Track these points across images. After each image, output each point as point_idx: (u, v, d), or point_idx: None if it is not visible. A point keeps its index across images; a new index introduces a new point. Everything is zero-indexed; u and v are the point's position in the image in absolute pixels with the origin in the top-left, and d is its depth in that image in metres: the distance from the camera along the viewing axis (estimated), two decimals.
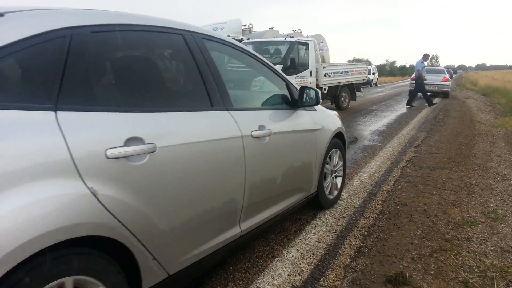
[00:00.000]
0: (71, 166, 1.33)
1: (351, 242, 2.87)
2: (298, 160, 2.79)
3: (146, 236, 1.58)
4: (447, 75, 17.29)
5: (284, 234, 2.99)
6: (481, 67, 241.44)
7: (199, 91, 2.07)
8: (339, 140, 3.54)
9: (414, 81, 13.18)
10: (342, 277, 2.38)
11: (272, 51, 10.13)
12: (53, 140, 1.31)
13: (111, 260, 1.47)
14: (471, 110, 12.31)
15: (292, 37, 10.49)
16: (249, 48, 2.69)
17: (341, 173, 3.66)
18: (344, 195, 3.88)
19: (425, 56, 12.91)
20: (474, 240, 2.90)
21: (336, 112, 3.70)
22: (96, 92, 1.59)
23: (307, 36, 11.65)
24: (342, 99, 12.11)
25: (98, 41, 1.64)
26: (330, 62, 12.84)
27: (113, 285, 1.46)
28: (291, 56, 9.53)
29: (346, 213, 3.42)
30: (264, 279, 2.35)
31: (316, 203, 3.36)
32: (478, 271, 2.46)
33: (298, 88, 2.89)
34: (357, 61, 53.02)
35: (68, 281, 1.31)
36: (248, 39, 11.49)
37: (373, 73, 28.99)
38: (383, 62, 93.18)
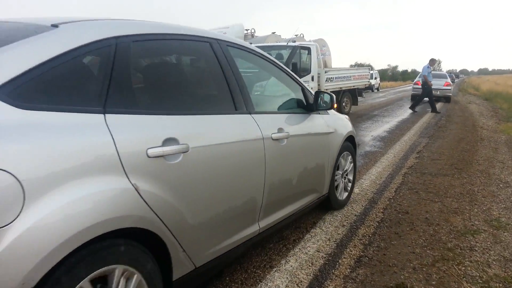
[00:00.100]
0: (117, 163, 1.44)
1: (351, 251, 2.82)
2: (312, 162, 2.92)
3: (178, 230, 1.70)
4: (449, 80, 17.35)
5: (283, 243, 2.94)
6: (483, 72, 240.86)
7: (224, 96, 2.20)
8: (350, 144, 3.65)
9: (417, 86, 13.09)
10: None
11: (274, 56, 10.13)
12: (103, 139, 1.43)
13: (147, 251, 1.58)
14: (473, 115, 12.25)
15: (295, 41, 10.47)
16: (269, 55, 2.79)
17: (351, 175, 3.78)
18: None
19: (432, 61, 12.80)
20: (476, 249, 2.85)
21: (347, 116, 3.79)
22: (138, 96, 1.74)
23: (310, 41, 11.63)
24: (343, 104, 12.06)
25: (138, 49, 1.78)
26: (332, 66, 12.81)
27: (149, 274, 1.58)
28: (293, 61, 9.54)
29: (347, 221, 3.37)
30: None
31: (327, 204, 3.48)
32: (481, 281, 2.40)
33: (313, 92, 3.03)
34: (359, 65, 53.11)
35: (116, 268, 1.43)
36: (250, 43, 11.47)
37: (375, 78, 28.99)
38: (385, 66, 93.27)
